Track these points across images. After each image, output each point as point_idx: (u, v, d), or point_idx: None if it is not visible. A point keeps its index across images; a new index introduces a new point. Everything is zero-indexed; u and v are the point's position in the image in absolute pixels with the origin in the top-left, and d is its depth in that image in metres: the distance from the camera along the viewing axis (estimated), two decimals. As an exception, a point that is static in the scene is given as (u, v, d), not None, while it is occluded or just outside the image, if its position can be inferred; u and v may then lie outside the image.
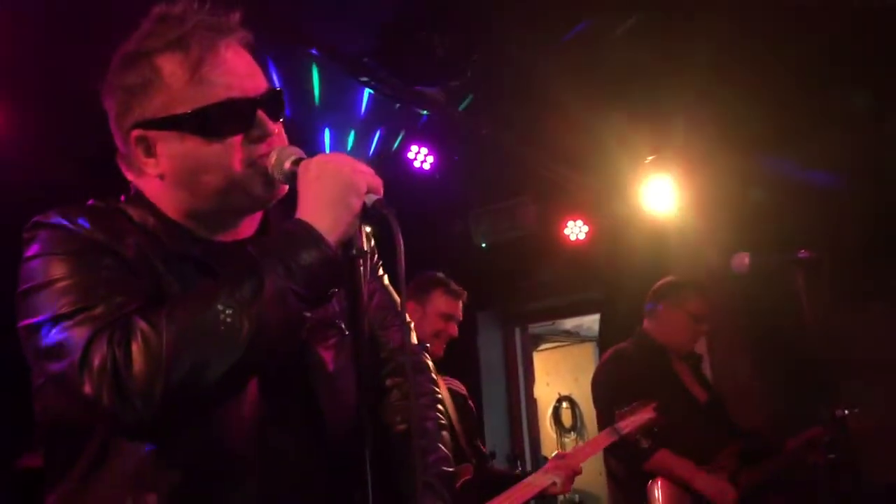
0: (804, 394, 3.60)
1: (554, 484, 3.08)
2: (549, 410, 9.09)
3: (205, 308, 1.28)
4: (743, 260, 3.42)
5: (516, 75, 4.84)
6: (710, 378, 4.63)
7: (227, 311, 1.28)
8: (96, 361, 1.24)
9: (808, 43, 4.22)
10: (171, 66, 1.47)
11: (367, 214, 1.41)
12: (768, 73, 4.42)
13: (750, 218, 5.00)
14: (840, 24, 4.09)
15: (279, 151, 1.49)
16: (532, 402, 7.56)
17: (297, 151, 1.49)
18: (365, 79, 4.38)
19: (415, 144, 5.42)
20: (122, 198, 1.57)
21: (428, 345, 2.00)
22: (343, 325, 1.63)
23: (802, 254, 3.24)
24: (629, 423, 3.34)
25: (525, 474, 3.39)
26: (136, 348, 1.24)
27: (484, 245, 6.53)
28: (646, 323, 4.07)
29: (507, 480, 3.30)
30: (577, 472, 3.12)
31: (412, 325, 1.84)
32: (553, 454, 3.25)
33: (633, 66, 4.45)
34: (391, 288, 1.85)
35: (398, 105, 4.70)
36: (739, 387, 5.20)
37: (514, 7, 4.23)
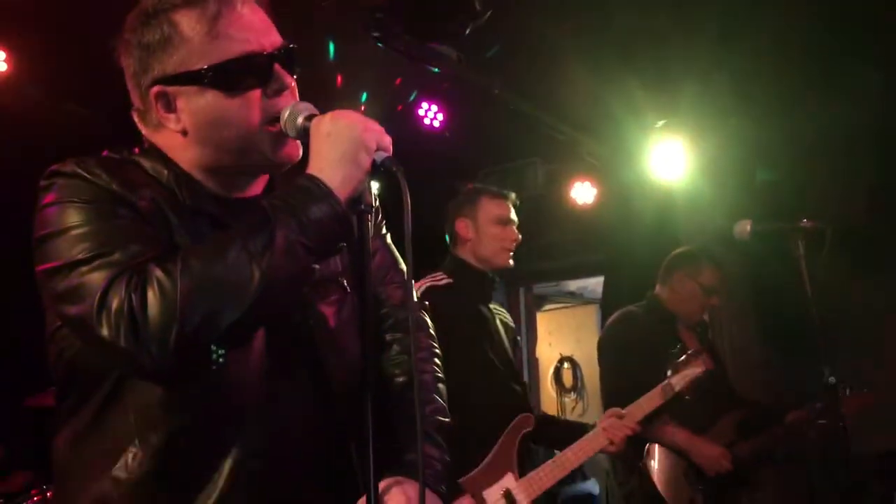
0: (802, 361, 3.64)
1: (611, 444, 3.11)
2: (551, 370, 9.19)
3: (218, 258, 1.33)
4: (745, 227, 3.45)
5: (528, 37, 4.83)
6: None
7: (239, 261, 1.32)
8: (114, 305, 1.29)
9: (818, 9, 4.19)
10: (189, 22, 1.50)
11: (376, 171, 1.45)
12: (778, 40, 4.40)
13: (757, 186, 5.01)
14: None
15: (292, 107, 1.52)
16: (534, 362, 7.64)
17: (309, 107, 1.53)
18: (377, 34, 4.37)
19: (425, 101, 5.41)
20: (136, 150, 1.59)
21: (427, 302, 2.03)
22: (345, 282, 1.68)
23: (805, 223, 3.26)
24: (681, 379, 3.33)
25: (578, 426, 3.35)
26: (151, 294, 1.29)
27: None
28: (658, 289, 4.11)
29: (565, 430, 3.32)
30: (635, 432, 3.15)
31: (413, 282, 1.88)
32: (608, 412, 3.23)
33: (644, 32, 4.44)
34: (392, 246, 1.89)
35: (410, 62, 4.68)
36: (738, 354, 5.26)
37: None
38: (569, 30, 4.67)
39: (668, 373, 3.36)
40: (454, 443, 2.69)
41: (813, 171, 4.89)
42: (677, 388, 3.31)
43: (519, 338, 3.82)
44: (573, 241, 6.72)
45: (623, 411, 3.20)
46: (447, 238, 3.54)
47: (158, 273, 1.31)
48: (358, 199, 1.45)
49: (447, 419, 1.79)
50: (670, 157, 5.50)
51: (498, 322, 3.45)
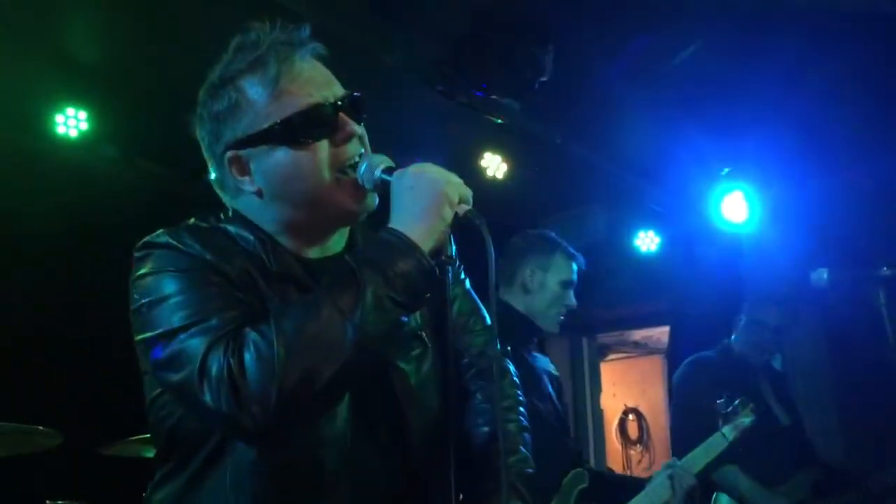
0: (882, 419, 3.51)
1: (673, 495, 3.02)
2: (616, 422, 9.02)
3: (310, 317, 1.35)
4: (822, 275, 3.37)
5: (591, 86, 4.85)
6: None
7: (331, 319, 1.34)
8: (214, 371, 1.32)
9: (884, 54, 4.13)
10: (253, 86, 1.55)
11: (459, 224, 1.47)
12: (845, 85, 4.34)
13: (829, 232, 4.90)
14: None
15: (368, 159, 1.55)
16: (598, 413, 7.52)
17: (385, 159, 1.56)
18: (441, 88, 4.44)
19: (489, 152, 5.46)
20: (221, 216, 1.64)
21: (509, 348, 2.01)
22: (424, 336, 1.68)
23: (885, 270, 3.17)
24: (733, 429, 3.25)
25: (633, 480, 3.31)
26: (249, 357, 1.32)
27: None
28: (733, 335, 4.05)
29: (620, 486, 3.24)
30: (694, 485, 3.06)
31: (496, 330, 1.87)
32: (664, 463, 3.17)
33: (706, 79, 4.42)
34: (473, 293, 1.89)
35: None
36: (816, 409, 5.09)
37: (590, 18, 4.25)
38: (632, 77, 4.68)
39: (720, 423, 3.28)
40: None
41: (886, 215, 4.77)
42: (730, 438, 3.22)
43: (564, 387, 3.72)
44: (637, 289, 6.65)
45: (679, 462, 3.11)
46: (499, 277, 3.45)
47: (254, 336, 1.34)
48: (439, 250, 1.47)
49: (532, 469, 1.77)
50: (737, 204, 5.44)
51: (541, 370, 3.37)
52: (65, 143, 4.58)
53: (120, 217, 4.61)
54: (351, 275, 1.39)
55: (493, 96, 4.63)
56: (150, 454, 3.30)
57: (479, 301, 1.88)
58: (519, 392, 1.90)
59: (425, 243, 1.43)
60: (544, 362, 3.46)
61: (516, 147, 5.38)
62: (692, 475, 3.09)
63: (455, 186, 1.48)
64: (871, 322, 3.19)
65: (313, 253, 1.63)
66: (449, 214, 1.46)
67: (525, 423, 1.85)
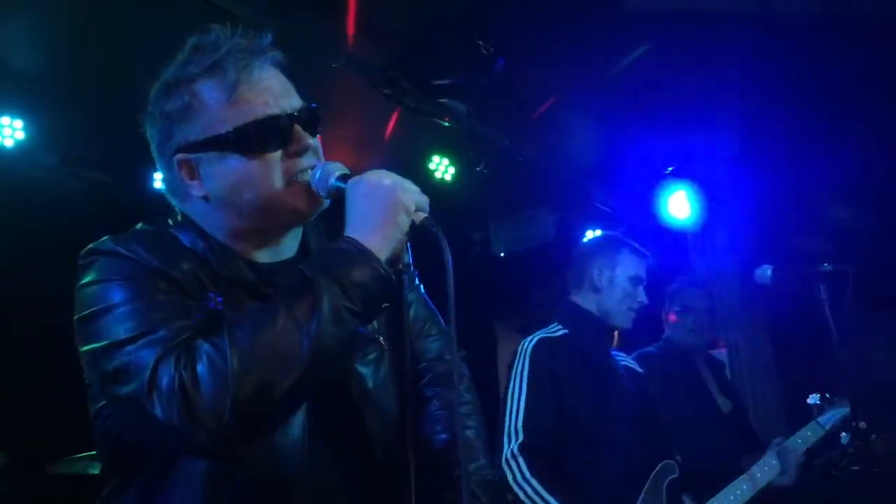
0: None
1: (783, 473, 3.14)
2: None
3: (265, 328, 1.32)
4: (766, 272, 3.44)
5: (538, 88, 4.89)
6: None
7: (286, 330, 1.32)
8: (164, 383, 1.28)
9: (830, 56, 4.25)
10: (209, 90, 1.52)
11: (415, 232, 1.46)
12: (791, 86, 4.44)
13: (771, 230, 5.01)
14: (861, 35, 4.12)
15: (323, 167, 1.53)
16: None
17: (340, 167, 1.54)
18: (388, 91, 4.43)
19: (436, 155, 5.46)
20: (170, 221, 1.61)
21: (465, 352, 2.02)
22: (382, 340, 1.66)
23: (826, 266, 3.25)
24: (830, 418, 3.34)
25: (730, 466, 3.30)
26: (202, 369, 1.28)
27: (503, 254, 6.56)
28: (668, 329, 4.12)
29: (716, 474, 3.27)
30: (804, 461, 3.17)
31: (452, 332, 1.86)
32: (775, 440, 3.26)
33: (651, 81, 4.49)
34: (427, 299, 1.89)
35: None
36: (759, 397, 5.21)
37: (537, 20, 4.28)
38: (578, 79, 4.72)
39: (815, 413, 3.39)
40: (583, 498, 2.65)
41: (827, 216, 4.90)
42: (828, 427, 3.32)
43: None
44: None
45: (785, 442, 3.24)
46: (568, 279, 3.42)
47: (207, 348, 1.30)
48: (396, 258, 1.46)
49: (491, 475, 1.77)
50: (679, 203, 5.52)
51: (623, 370, 3.35)
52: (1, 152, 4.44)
53: (59, 226, 4.51)
54: (307, 284, 1.37)
55: (440, 99, 4.65)
56: (95, 471, 3.25)
57: (433, 307, 1.88)
58: (475, 397, 1.89)
59: (382, 252, 1.42)
60: (625, 359, 3.45)
61: (464, 149, 5.39)
62: (800, 452, 3.17)
63: (411, 194, 1.47)
64: (813, 316, 3.27)
65: (264, 257, 1.60)
66: (405, 222, 1.45)
67: (483, 429, 1.84)
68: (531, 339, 3.17)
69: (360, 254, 1.41)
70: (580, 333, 3.23)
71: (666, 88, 4.60)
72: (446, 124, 4.84)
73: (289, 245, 1.65)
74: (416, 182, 1.54)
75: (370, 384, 1.60)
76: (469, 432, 1.78)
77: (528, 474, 2.85)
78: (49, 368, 3.22)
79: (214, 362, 1.29)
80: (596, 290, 3.32)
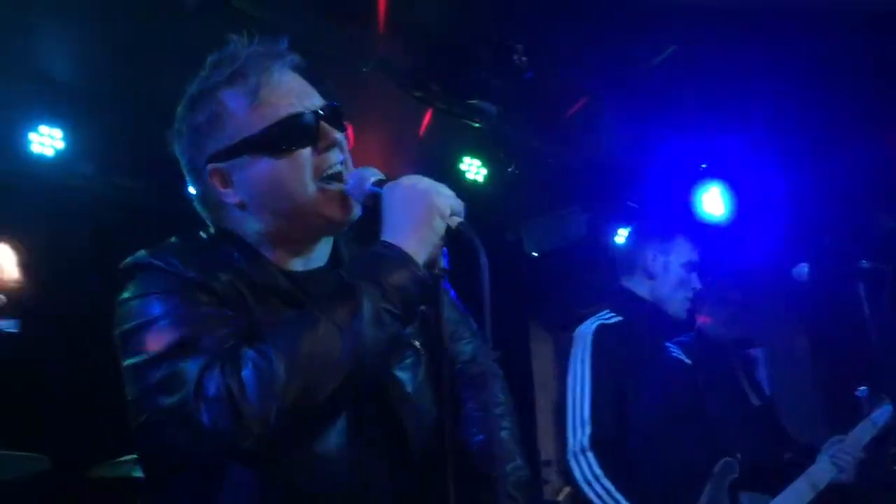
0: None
1: (841, 472, 3.07)
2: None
3: (307, 333, 1.34)
4: (803, 270, 3.40)
5: (568, 87, 4.88)
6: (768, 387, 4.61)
7: (328, 335, 1.34)
8: (211, 392, 1.30)
9: (864, 51, 4.19)
10: (233, 98, 1.55)
11: (450, 236, 1.48)
12: (815, 81, 4.39)
13: (807, 226, 4.96)
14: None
15: (358, 173, 1.56)
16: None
17: (375, 172, 1.55)
18: (418, 94, 4.45)
19: (467, 156, 5.48)
20: (203, 233, 1.63)
21: (498, 353, 2.01)
22: (418, 344, 1.68)
23: (864, 263, 3.21)
24: (881, 415, 3.29)
25: (792, 464, 3.25)
26: (248, 377, 1.30)
27: (535, 254, 6.57)
28: (701, 319, 4.06)
29: (778, 472, 3.22)
30: (863, 458, 3.12)
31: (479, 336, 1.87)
32: (831, 439, 3.21)
33: (681, 79, 4.46)
34: (458, 302, 1.90)
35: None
36: (797, 396, 5.16)
37: (566, 20, 4.27)
38: (608, 77, 4.71)
39: (865, 409, 3.36)
40: (650, 496, 2.59)
41: (865, 210, 4.83)
42: (881, 423, 3.28)
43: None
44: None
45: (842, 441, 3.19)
46: (618, 265, 3.32)
47: (252, 355, 1.32)
48: (432, 263, 1.47)
49: (527, 475, 1.77)
50: (713, 200, 5.49)
51: (674, 362, 3.22)
52: (41, 161, 4.53)
53: (96, 231, 4.60)
54: (347, 289, 1.39)
55: (470, 101, 4.66)
56: (138, 474, 3.30)
57: (464, 309, 1.89)
58: (509, 397, 1.89)
59: (418, 256, 1.44)
60: (677, 351, 3.28)
61: (495, 150, 5.40)
62: (858, 450, 3.12)
63: (446, 198, 1.49)
64: (851, 316, 3.23)
65: (298, 265, 1.62)
66: (441, 226, 1.46)
67: (517, 429, 1.85)
68: (589, 325, 3.04)
69: (399, 257, 1.42)
70: (636, 321, 3.10)
71: (696, 85, 4.57)
72: (477, 125, 4.86)
73: (321, 253, 1.66)
74: (448, 184, 1.55)
75: (408, 388, 1.61)
76: (504, 433, 1.79)
77: (598, 472, 2.73)
78: (89, 373, 3.28)
79: (260, 369, 1.30)
80: (650, 275, 3.20)
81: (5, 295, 3.35)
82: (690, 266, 3.21)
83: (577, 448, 2.79)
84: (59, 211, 4.60)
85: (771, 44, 4.18)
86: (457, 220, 1.49)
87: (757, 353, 5.91)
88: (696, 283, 3.23)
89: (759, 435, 3.76)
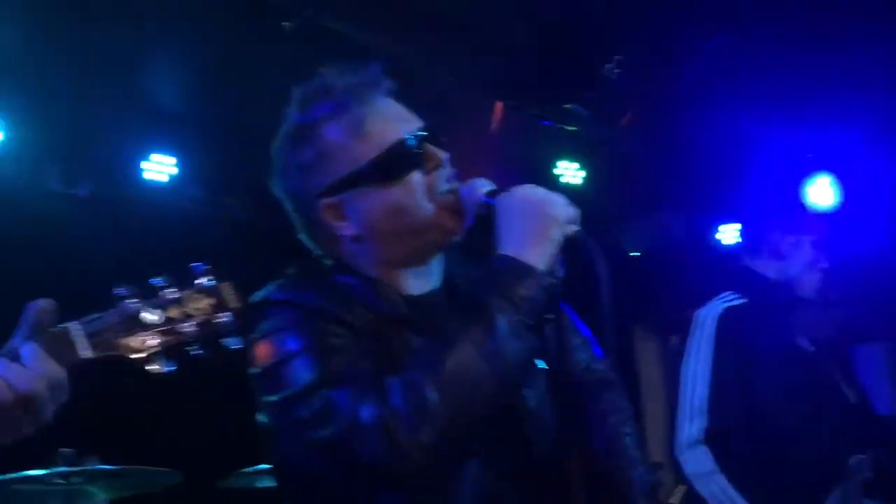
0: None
1: None
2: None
3: (448, 356, 1.36)
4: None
5: (662, 84, 4.82)
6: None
7: (469, 354, 1.36)
8: (365, 422, 1.32)
9: None
10: (336, 131, 1.57)
11: (567, 245, 1.49)
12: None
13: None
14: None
15: (469, 184, 1.57)
16: (693, 412, 7.37)
17: (485, 183, 1.57)
18: (510, 103, 4.48)
19: (562, 161, 5.48)
20: (320, 265, 1.65)
21: (611, 359, 1.98)
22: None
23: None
24: None
25: None
26: (400, 405, 1.32)
27: (636, 254, 6.49)
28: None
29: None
30: None
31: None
32: None
33: (783, 71, 4.35)
34: (569, 309, 1.89)
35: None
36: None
37: (653, 19, 4.23)
38: (703, 73, 4.63)
39: None
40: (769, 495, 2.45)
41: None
42: None
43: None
44: (725, 284, 6.52)
45: None
46: (742, 246, 3.21)
47: (400, 382, 1.35)
48: (551, 273, 1.48)
49: (651, 481, 1.75)
50: (821, 191, 5.32)
51: (807, 347, 3.03)
52: (153, 186, 4.78)
53: (206, 250, 4.78)
54: (478, 306, 1.40)
55: (564, 105, 4.67)
56: (265, 484, 3.42)
57: (574, 316, 1.88)
58: (627, 403, 1.86)
59: (539, 266, 1.45)
60: (803, 342, 3.07)
61: (590, 153, 5.38)
62: None
63: (562, 207, 1.50)
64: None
65: (416, 287, 1.62)
66: (559, 236, 1.47)
67: (636, 435, 1.82)
68: (713, 308, 2.89)
69: (523, 269, 1.43)
70: (763, 303, 2.91)
71: (795, 76, 4.44)
72: (571, 129, 4.86)
73: (436, 272, 1.67)
74: (545, 187, 1.56)
75: (531, 403, 1.60)
76: (626, 440, 1.75)
77: (713, 467, 2.60)
78: (216, 387, 3.41)
79: (409, 396, 1.33)
80: (779, 255, 3.01)
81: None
82: (818, 243, 3.04)
83: (689, 441, 2.66)
84: (173, 233, 4.80)
85: (872, 30, 4.03)
86: (573, 228, 1.50)
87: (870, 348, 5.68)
88: (825, 263, 3.04)
89: (852, 430, 3.56)
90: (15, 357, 1.11)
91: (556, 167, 5.47)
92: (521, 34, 4.28)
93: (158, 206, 4.90)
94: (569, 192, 5.28)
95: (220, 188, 5.13)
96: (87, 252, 4.49)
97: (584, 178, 5.52)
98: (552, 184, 5.37)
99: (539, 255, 1.45)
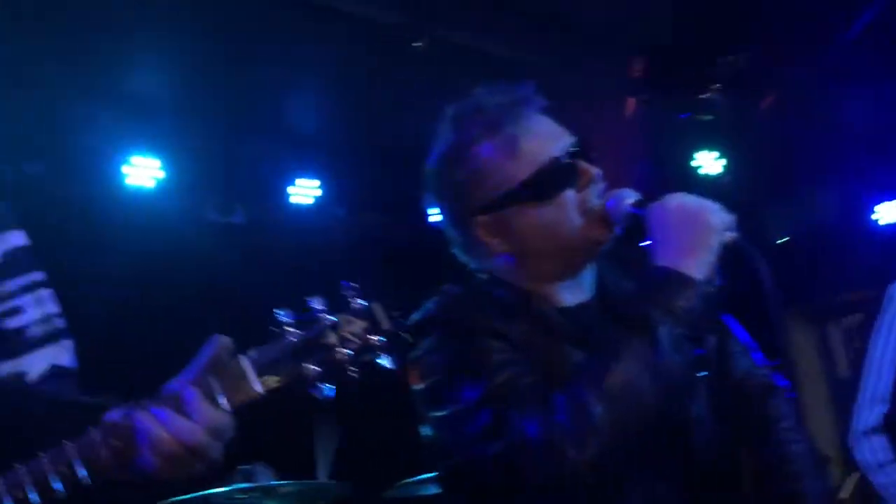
0: None
1: None
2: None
3: (612, 370, 1.37)
4: None
5: (803, 61, 4.63)
6: None
7: (631, 367, 1.37)
8: (534, 437, 1.35)
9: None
10: (491, 151, 1.59)
11: (727, 252, 1.46)
12: None
13: None
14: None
15: (616, 195, 1.57)
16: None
17: (632, 193, 1.57)
18: (645, 98, 4.43)
19: (701, 150, 5.34)
20: (473, 280, 1.69)
21: (777, 362, 1.90)
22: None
23: None
24: None
25: None
26: (565, 420, 1.35)
27: (784, 239, 6.24)
28: None
29: None
30: None
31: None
32: None
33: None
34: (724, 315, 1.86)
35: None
36: None
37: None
38: (847, 45, 4.42)
39: None
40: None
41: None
42: None
43: None
44: (882, 266, 6.17)
45: None
46: None
47: (565, 397, 1.37)
48: (708, 280, 1.46)
49: (827, 488, 1.71)
50: None
51: None
52: (299, 209, 5.07)
53: (350, 263, 4.98)
54: (639, 319, 1.41)
55: (698, 95, 4.56)
56: (429, 492, 3.51)
57: (734, 323, 1.84)
58: (792, 409, 1.80)
59: (698, 275, 1.43)
60: None
61: (729, 139, 5.23)
62: None
63: (717, 214, 1.48)
64: None
65: (570, 299, 1.64)
66: (716, 244, 1.46)
67: (810, 440, 1.76)
68: None
69: (682, 280, 1.42)
70: None
71: None
72: (707, 118, 4.74)
73: (588, 283, 1.67)
74: (684, 179, 1.53)
75: (694, 412, 1.58)
76: (796, 447, 1.69)
77: (889, 456, 2.42)
78: (383, 401, 3.49)
79: (574, 412, 1.35)
80: None
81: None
82: None
83: (864, 428, 2.47)
84: (320, 249, 5.02)
85: None
86: (731, 234, 1.47)
87: None
88: None
89: None
90: (179, 405, 1.15)
91: (694, 158, 5.34)
92: (653, 26, 4.21)
93: (305, 228, 5.16)
94: (709, 182, 5.25)
95: (362, 206, 5.33)
96: (243, 275, 4.76)
97: (724, 167, 5.36)
98: (691, 175, 5.27)
99: (697, 264, 1.43)
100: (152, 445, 1.14)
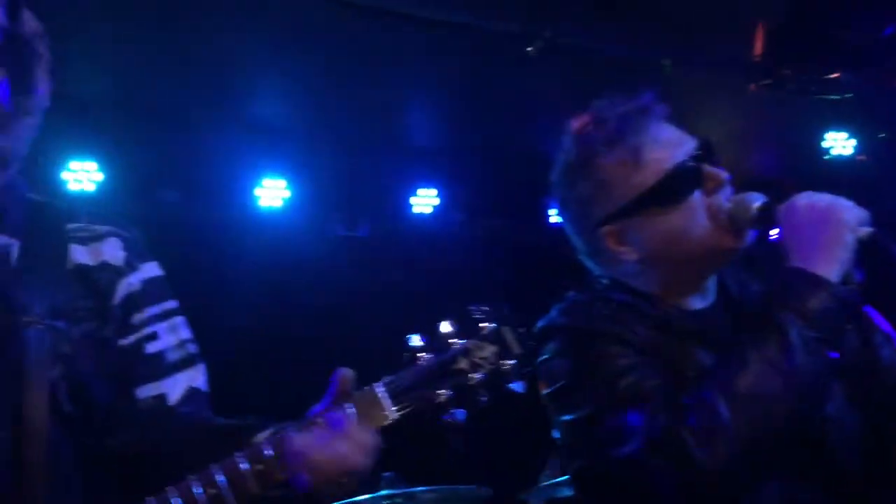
0: None
1: None
2: None
3: (742, 374, 1.36)
4: None
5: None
6: None
7: (762, 371, 1.35)
8: (663, 442, 1.35)
9: None
10: (614, 163, 1.59)
11: (863, 248, 1.43)
12: None
13: None
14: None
15: (740, 199, 1.54)
16: None
17: (759, 197, 1.54)
18: (767, 82, 4.27)
19: (830, 132, 5.13)
20: (599, 286, 1.68)
21: None
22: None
23: None
24: None
25: None
26: (697, 424, 1.34)
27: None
28: None
29: None
30: None
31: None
32: None
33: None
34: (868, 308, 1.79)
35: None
36: None
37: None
38: None
39: None
40: None
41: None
42: None
43: None
44: None
45: None
46: None
47: (692, 402, 1.37)
48: (846, 278, 1.43)
49: None
50: None
51: None
52: (421, 218, 5.22)
53: (470, 267, 5.04)
54: (769, 323, 1.39)
55: (824, 76, 4.37)
56: (565, 493, 3.52)
57: (876, 314, 1.78)
58: None
59: (832, 275, 1.40)
60: None
61: (861, 119, 4.99)
62: None
63: (851, 210, 1.44)
64: None
65: (696, 303, 1.63)
66: (852, 241, 1.42)
67: None
68: None
69: (814, 282, 1.40)
70: None
71: None
72: (836, 98, 4.54)
73: (711, 287, 1.66)
74: (813, 162, 1.49)
75: (831, 411, 1.54)
76: None
77: None
78: (508, 406, 3.51)
79: (704, 416, 1.34)
80: None
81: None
82: None
83: None
84: (439, 255, 5.10)
85: None
86: (866, 230, 1.43)
87: None
88: None
89: None
90: (330, 429, 1.22)
91: (824, 140, 5.14)
92: (771, 10, 4.07)
93: (427, 235, 5.28)
94: (840, 163, 5.03)
95: (480, 211, 5.38)
96: (370, 287, 4.90)
97: (855, 147, 5.13)
98: (820, 158, 5.06)
99: (831, 264, 1.40)
100: (309, 467, 1.21)
